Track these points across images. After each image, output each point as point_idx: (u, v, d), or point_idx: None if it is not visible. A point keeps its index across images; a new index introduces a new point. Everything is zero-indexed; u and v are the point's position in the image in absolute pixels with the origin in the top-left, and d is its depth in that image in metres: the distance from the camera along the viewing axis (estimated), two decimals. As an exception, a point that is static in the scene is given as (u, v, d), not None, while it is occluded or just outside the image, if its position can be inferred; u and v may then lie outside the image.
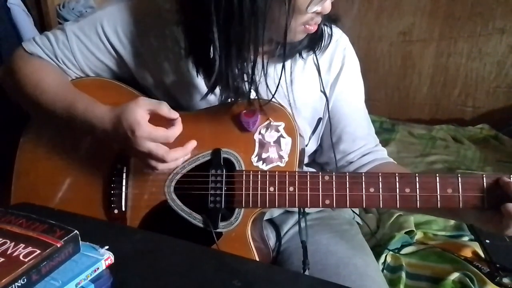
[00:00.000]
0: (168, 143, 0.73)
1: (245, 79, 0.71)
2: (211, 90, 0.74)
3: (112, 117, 0.72)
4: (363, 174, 0.73)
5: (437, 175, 0.70)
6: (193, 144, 0.77)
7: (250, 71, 0.70)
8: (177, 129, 0.73)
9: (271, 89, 0.72)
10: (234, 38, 0.67)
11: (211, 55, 0.70)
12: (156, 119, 0.72)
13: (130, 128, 0.70)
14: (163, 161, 0.72)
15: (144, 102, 0.72)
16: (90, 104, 0.76)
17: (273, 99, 0.75)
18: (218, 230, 0.76)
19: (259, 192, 0.75)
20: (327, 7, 0.69)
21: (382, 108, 2.29)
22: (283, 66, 0.71)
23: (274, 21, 0.66)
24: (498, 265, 1.09)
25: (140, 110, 0.70)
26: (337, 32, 0.86)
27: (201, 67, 0.75)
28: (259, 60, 0.70)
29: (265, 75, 0.71)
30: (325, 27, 0.81)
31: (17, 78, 0.82)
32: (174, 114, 0.73)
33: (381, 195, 0.71)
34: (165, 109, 0.72)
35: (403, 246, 1.19)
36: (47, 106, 0.79)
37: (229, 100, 0.75)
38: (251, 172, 0.76)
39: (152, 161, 0.72)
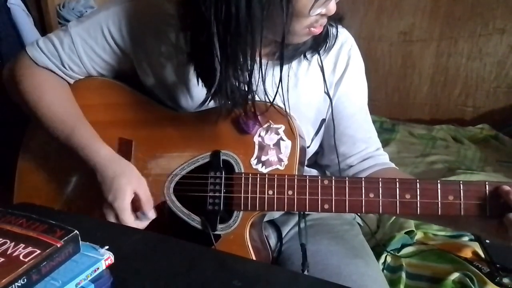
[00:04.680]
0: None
1: (243, 88, 0.70)
2: (209, 98, 0.73)
3: (107, 168, 0.76)
4: (363, 179, 0.72)
5: (439, 181, 0.68)
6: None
7: (247, 79, 0.69)
8: (144, 224, 0.77)
9: (271, 94, 0.72)
10: (233, 49, 0.66)
11: (212, 65, 0.69)
12: None
13: (114, 195, 0.74)
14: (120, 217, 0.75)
15: (142, 186, 0.77)
16: (90, 141, 0.78)
17: (273, 101, 0.75)
18: (216, 232, 0.76)
19: (257, 195, 0.74)
20: (331, 8, 0.67)
21: (382, 108, 2.29)
22: (281, 71, 0.70)
23: (276, 26, 0.65)
24: (498, 265, 1.09)
25: (132, 188, 0.75)
26: (343, 32, 0.84)
27: (201, 76, 0.74)
28: (256, 65, 0.69)
29: (264, 82, 0.70)
30: (330, 27, 0.80)
31: (18, 89, 0.81)
32: (151, 214, 0.77)
33: (380, 201, 0.70)
34: (146, 207, 0.77)
35: (403, 246, 1.19)
36: (47, 127, 0.80)
37: (226, 107, 0.74)
38: (250, 175, 0.75)
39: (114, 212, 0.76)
